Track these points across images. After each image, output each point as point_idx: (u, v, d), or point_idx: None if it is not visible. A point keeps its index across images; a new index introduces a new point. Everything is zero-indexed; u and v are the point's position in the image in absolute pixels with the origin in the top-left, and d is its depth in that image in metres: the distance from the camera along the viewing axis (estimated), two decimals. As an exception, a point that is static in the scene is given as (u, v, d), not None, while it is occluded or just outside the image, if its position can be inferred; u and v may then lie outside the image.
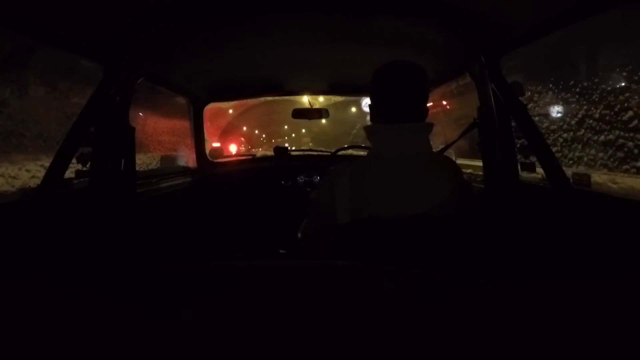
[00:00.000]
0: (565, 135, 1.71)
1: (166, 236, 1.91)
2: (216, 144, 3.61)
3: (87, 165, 1.67)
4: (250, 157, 3.71)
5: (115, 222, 1.69)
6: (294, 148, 4.01)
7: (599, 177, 1.47)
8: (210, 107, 3.28)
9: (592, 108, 1.56)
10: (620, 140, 1.44)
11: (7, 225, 1.27)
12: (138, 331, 0.39)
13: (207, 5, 1.46)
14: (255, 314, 0.41)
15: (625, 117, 1.41)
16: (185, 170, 3.07)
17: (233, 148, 4.18)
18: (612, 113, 1.46)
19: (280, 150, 3.29)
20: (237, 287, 0.47)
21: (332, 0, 1.50)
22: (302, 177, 3.09)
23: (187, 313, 0.42)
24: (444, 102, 3.76)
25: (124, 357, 0.36)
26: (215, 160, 3.37)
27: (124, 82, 1.68)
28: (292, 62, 2.45)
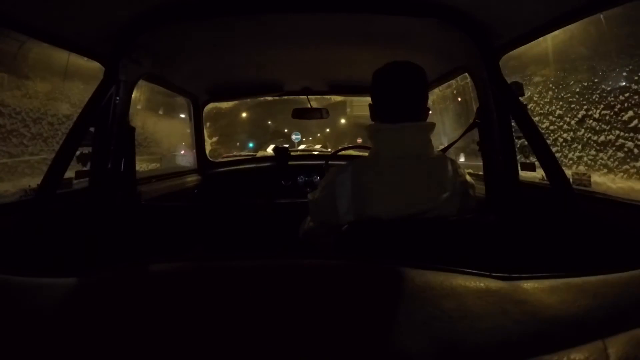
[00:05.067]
0: (565, 135, 1.71)
1: (166, 236, 1.92)
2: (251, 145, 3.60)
3: (87, 166, 1.67)
4: (250, 157, 3.71)
5: (116, 222, 1.69)
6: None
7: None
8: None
9: (592, 108, 1.55)
10: (620, 140, 1.44)
11: (7, 225, 1.27)
12: (138, 330, 0.39)
13: (207, 5, 1.46)
14: (254, 313, 0.41)
15: (625, 117, 1.41)
16: (186, 170, 3.07)
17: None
18: (612, 113, 1.46)
19: (280, 150, 3.29)
20: (237, 287, 0.47)
21: (332, 0, 1.50)
22: (302, 177, 3.09)
23: (186, 312, 0.42)
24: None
25: (124, 355, 0.36)
26: (216, 160, 3.37)
27: (124, 82, 1.68)
28: (292, 63, 2.45)
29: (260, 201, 2.14)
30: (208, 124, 3.69)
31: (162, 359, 0.36)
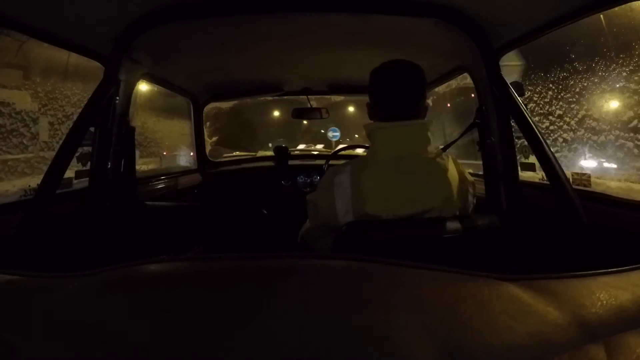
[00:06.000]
0: (565, 135, 1.71)
1: (166, 236, 1.92)
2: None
3: (87, 165, 1.67)
4: (250, 156, 3.71)
5: (116, 222, 1.69)
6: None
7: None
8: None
9: (592, 108, 1.56)
10: (620, 140, 1.44)
11: (7, 225, 1.27)
12: (138, 330, 0.39)
13: (208, 6, 1.46)
14: (254, 313, 0.41)
15: (625, 117, 1.41)
16: (186, 170, 3.08)
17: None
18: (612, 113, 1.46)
19: (280, 150, 3.29)
20: (236, 287, 0.47)
21: (332, 0, 1.50)
22: (302, 177, 3.09)
23: (186, 312, 0.42)
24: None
25: (124, 355, 0.36)
26: (216, 160, 3.37)
27: (124, 82, 1.68)
28: (292, 62, 2.45)
29: (257, 207, 2.13)
30: (208, 123, 3.69)
31: (162, 359, 0.36)
